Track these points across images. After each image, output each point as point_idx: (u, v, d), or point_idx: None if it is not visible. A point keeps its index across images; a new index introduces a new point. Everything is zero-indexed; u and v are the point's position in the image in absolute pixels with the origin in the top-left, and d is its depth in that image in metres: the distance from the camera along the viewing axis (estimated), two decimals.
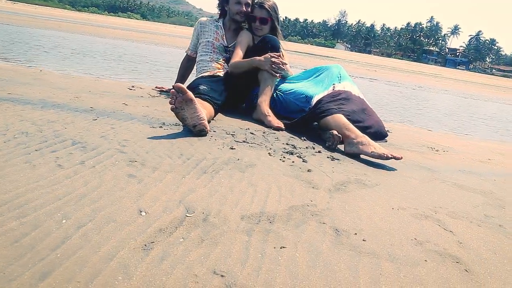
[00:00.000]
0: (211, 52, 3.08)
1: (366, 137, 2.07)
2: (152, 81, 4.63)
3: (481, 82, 25.44)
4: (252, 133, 2.24)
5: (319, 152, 2.04)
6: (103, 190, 1.20)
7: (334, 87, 2.54)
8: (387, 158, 1.93)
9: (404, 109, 5.64)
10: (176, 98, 1.87)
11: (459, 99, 9.83)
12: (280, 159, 1.80)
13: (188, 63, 3.37)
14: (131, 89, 3.32)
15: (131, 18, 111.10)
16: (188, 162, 1.58)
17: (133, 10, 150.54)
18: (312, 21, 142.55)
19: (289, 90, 2.68)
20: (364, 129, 2.29)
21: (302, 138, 2.29)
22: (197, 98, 2.33)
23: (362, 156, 2.07)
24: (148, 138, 1.84)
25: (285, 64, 2.65)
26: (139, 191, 1.23)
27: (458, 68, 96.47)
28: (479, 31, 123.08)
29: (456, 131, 4.28)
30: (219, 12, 3.19)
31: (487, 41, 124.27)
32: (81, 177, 1.28)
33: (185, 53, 3.37)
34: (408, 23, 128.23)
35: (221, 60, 3.07)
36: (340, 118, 2.21)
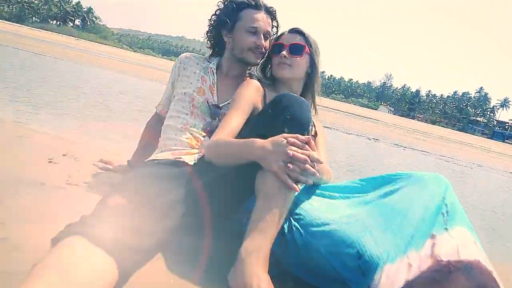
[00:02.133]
0: (186, 113, 1.67)
1: None
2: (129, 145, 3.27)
3: None
4: None
5: None
6: None
7: (435, 243, 0.99)
8: None
9: (489, 217, 3.87)
10: None
11: None
12: None
13: (157, 126, 1.96)
14: (51, 161, 1.94)
15: None
16: None
17: None
18: (357, 81, 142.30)
19: (321, 226, 1.14)
20: None
21: None
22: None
23: None
24: None
25: (320, 162, 1.14)
26: None
27: (507, 142, 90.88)
28: None
29: None
30: (209, 46, 1.81)
31: None
32: None
33: (155, 110, 2.00)
34: (455, 92, 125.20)
35: (199, 130, 1.63)
36: None
